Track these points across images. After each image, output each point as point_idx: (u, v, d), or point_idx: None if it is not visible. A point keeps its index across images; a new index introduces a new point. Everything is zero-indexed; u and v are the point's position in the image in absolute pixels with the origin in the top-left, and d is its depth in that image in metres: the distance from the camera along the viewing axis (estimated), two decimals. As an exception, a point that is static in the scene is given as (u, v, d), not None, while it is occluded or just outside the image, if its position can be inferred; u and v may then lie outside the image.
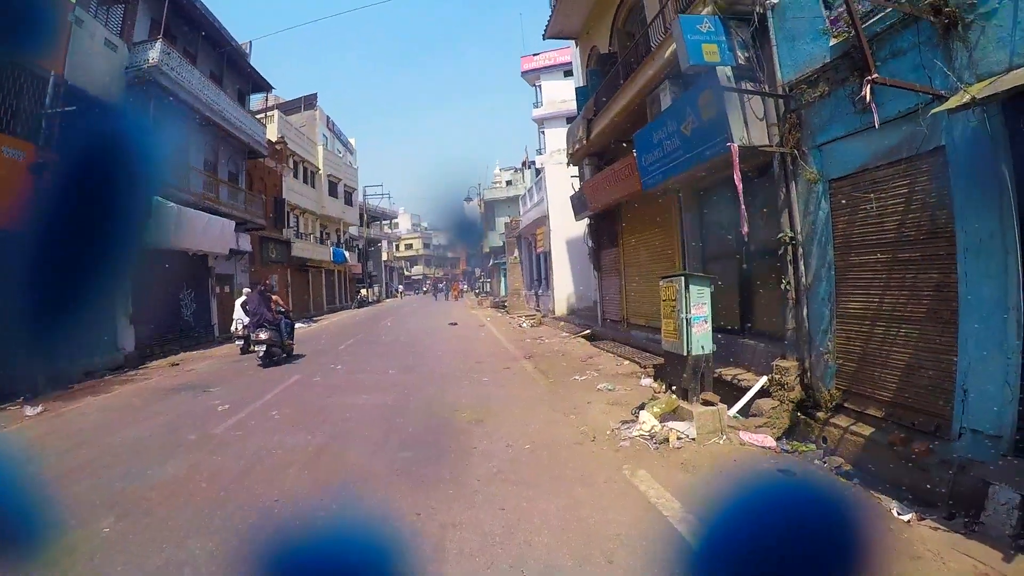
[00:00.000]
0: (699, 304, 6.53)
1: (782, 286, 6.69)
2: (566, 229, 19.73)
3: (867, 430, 5.24)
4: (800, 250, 6.43)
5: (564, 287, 21.29)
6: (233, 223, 18.82)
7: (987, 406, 4.16)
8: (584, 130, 12.99)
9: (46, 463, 5.67)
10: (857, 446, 5.25)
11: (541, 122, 30.92)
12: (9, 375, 8.89)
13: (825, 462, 5.36)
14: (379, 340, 17.14)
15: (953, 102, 3.76)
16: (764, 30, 6.49)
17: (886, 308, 5.16)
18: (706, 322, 6.54)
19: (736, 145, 6.45)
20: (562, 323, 18.67)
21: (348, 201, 39.20)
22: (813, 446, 5.76)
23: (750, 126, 6.67)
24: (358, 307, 39.44)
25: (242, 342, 13.93)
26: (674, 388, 6.95)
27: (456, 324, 21.14)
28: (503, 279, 35.91)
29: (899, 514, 4.13)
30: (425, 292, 61.31)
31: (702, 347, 6.47)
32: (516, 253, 29.76)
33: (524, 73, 31.87)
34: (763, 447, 5.76)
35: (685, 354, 6.46)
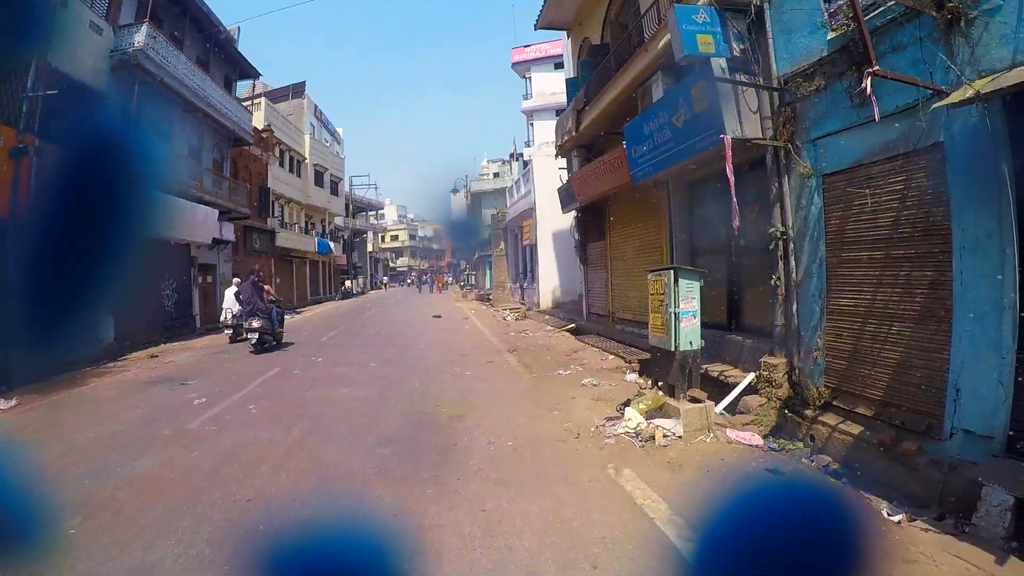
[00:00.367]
0: (688, 298, 6.41)
1: (772, 282, 6.59)
2: (553, 222, 19.58)
3: (856, 429, 5.17)
4: (791, 245, 6.33)
5: (549, 280, 21.17)
6: (216, 212, 18.40)
7: (980, 406, 4.09)
8: (574, 121, 12.81)
9: (14, 459, 5.41)
10: (845, 445, 5.18)
11: (530, 114, 30.62)
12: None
13: (813, 461, 5.29)
14: (362, 332, 16.90)
15: (956, 97, 3.65)
16: (760, 22, 6.35)
17: (878, 306, 5.07)
18: (695, 317, 6.43)
19: (729, 137, 6.32)
20: (547, 316, 18.56)
21: (334, 191, 38.70)
22: (800, 444, 5.69)
23: (743, 119, 6.54)
24: (342, 298, 39.07)
25: (232, 331, 14.43)
26: (661, 384, 6.85)
27: (440, 317, 20.94)
28: (488, 271, 35.71)
29: (889, 515, 4.05)
30: (409, 284, 60.67)
31: (690, 342, 6.36)
32: (502, 245, 29.57)
33: (515, 65, 31.55)
34: (750, 445, 5.68)
35: (673, 349, 6.34)
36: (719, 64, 6.60)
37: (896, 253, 4.83)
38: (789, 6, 5.88)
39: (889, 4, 4.43)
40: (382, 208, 64.69)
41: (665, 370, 6.62)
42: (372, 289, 54.16)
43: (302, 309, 28.26)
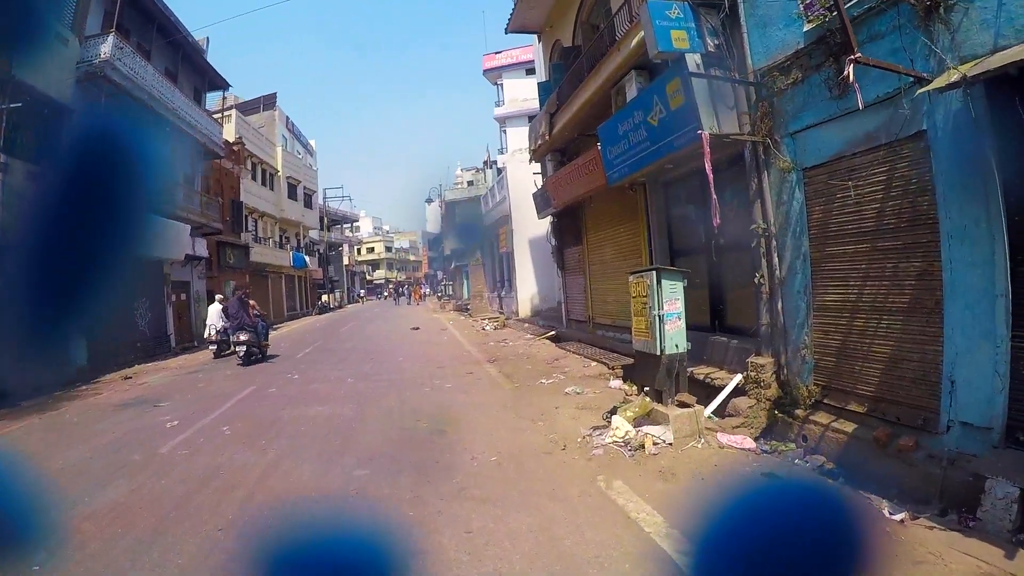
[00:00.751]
0: (672, 300, 6.24)
1: (755, 280, 6.48)
2: (528, 228, 19.42)
3: (849, 426, 5.04)
4: (773, 242, 6.23)
5: (527, 288, 20.97)
6: (189, 227, 17.92)
7: (976, 397, 3.99)
8: (547, 125, 12.68)
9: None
10: (839, 443, 5.05)
11: (503, 121, 30.53)
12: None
13: (807, 461, 5.14)
14: (339, 347, 16.49)
15: (941, 81, 3.56)
16: (734, 16, 6.27)
17: (866, 299, 4.97)
18: (680, 319, 6.26)
19: (707, 133, 6.21)
20: (526, 325, 18.34)
21: (308, 204, 38.12)
22: (793, 445, 5.55)
23: (720, 115, 6.43)
24: (319, 313, 38.46)
25: (216, 346, 14.84)
26: (647, 390, 6.66)
27: (418, 328, 20.57)
28: (466, 281, 35.39)
29: (891, 514, 3.91)
30: (386, 297, 59.85)
31: (676, 345, 6.19)
32: (478, 255, 29.32)
33: (486, 72, 31.48)
34: (743, 448, 5.52)
35: (658, 353, 6.16)
36: (694, 60, 6.50)
37: (882, 245, 4.73)
38: (762, 5, 5.80)
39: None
40: (357, 220, 63.98)
41: (651, 375, 6.43)
42: (350, 303, 53.48)
43: (279, 325, 27.55)
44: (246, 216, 26.84)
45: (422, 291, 50.05)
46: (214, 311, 15.14)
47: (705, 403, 6.69)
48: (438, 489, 4.68)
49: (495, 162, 29.73)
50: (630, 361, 8.94)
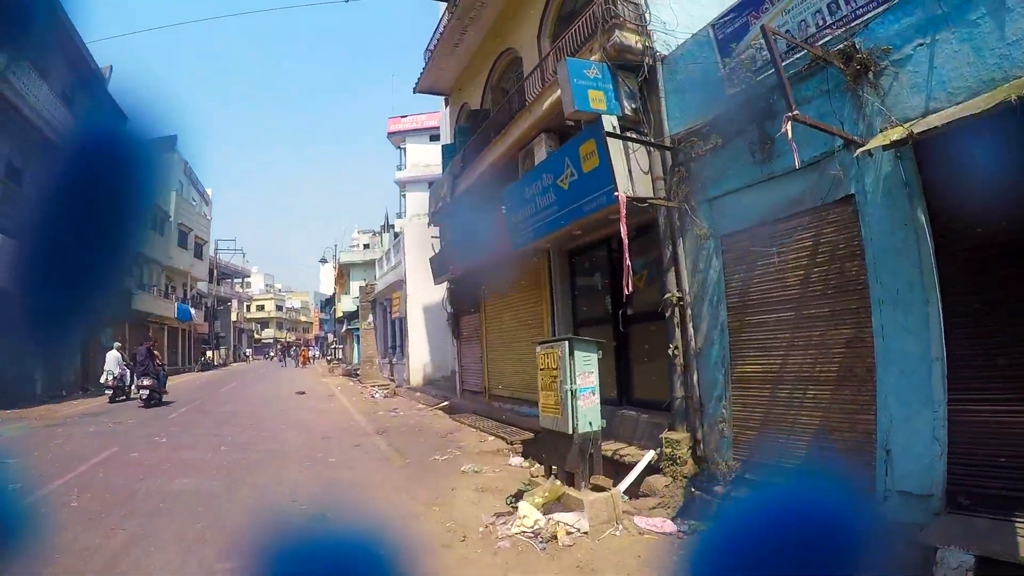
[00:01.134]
0: (585, 373, 5.71)
1: (669, 351, 6.16)
2: (424, 294, 18.63)
3: (776, 509, 4.62)
4: (689, 312, 5.99)
5: (420, 355, 19.88)
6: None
7: (914, 465, 3.74)
8: (449, 187, 12.31)
9: None
10: (767, 529, 4.59)
11: (403, 185, 30.18)
12: None
13: (734, 549, 4.63)
14: (217, 409, 14.51)
15: (880, 140, 3.47)
16: (653, 81, 6.28)
17: (791, 369, 4.73)
18: (594, 394, 5.72)
19: (624, 195, 5.98)
20: (418, 394, 17.14)
21: (198, 254, 35.28)
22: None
23: (635, 180, 6.29)
24: (202, 370, 35.07)
25: (112, 391, 15.68)
26: (556, 471, 5.97)
27: (304, 393, 18.78)
28: (356, 345, 33.44)
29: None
30: (272, 357, 55.01)
31: (590, 423, 5.59)
32: (371, 319, 27.88)
33: (390, 135, 31.40)
34: (663, 533, 4.92)
35: (570, 432, 5.53)
36: (611, 121, 6.36)
37: (808, 312, 4.56)
38: (683, 64, 5.85)
39: (794, 58, 4.36)
40: (249, 276, 59.83)
41: (560, 455, 5.76)
42: (235, 361, 49.21)
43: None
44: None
45: (310, 353, 46.65)
46: (112, 358, 15.75)
47: (615, 482, 6.10)
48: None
49: (392, 226, 29.13)
50: (531, 436, 8.23)
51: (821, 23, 4.36)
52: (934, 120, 3.22)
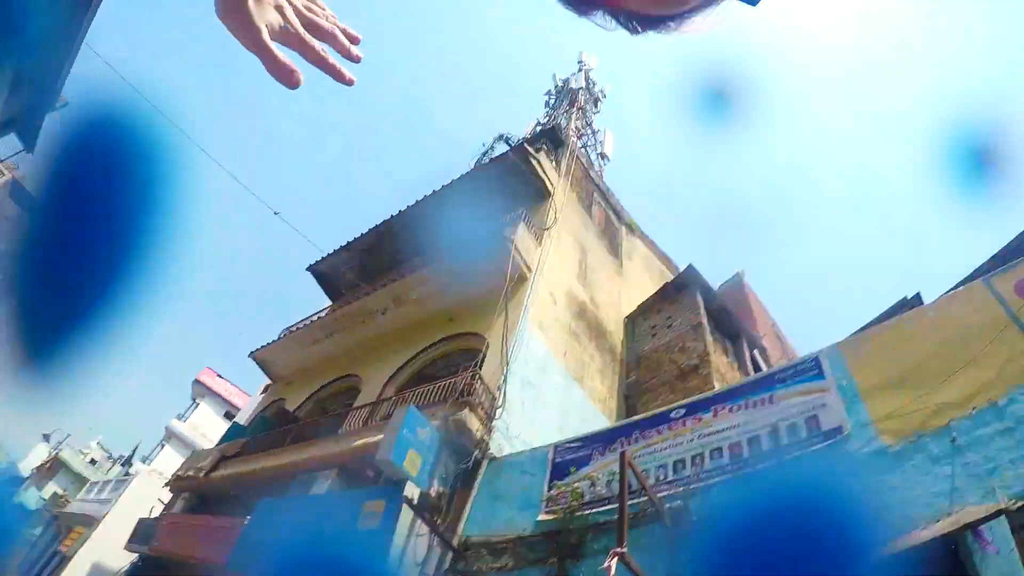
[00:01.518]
0: None
1: None
2: (107, 552, 14.77)
3: None
4: None
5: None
6: None
7: None
8: (213, 462, 10.29)
9: None
10: None
11: (170, 436, 25.89)
12: None
13: None
14: None
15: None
16: (471, 476, 5.97)
17: None
18: None
19: None
20: None
21: None
22: None
23: (408, 563, 5.34)
24: None
25: None
26: None
27: None
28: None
29: None
30: None
31: None
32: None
33: (196, 382, 28.43)
34: None
35: None
36: (413, 490, 5.77)
37: None
38: (507, 472, 5.67)
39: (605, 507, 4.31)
40: None
41: None
42: None
43: None
44: None
45: None
46: None
47: None
48: None
49: (131, 461, 25.40)
50: None
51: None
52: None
